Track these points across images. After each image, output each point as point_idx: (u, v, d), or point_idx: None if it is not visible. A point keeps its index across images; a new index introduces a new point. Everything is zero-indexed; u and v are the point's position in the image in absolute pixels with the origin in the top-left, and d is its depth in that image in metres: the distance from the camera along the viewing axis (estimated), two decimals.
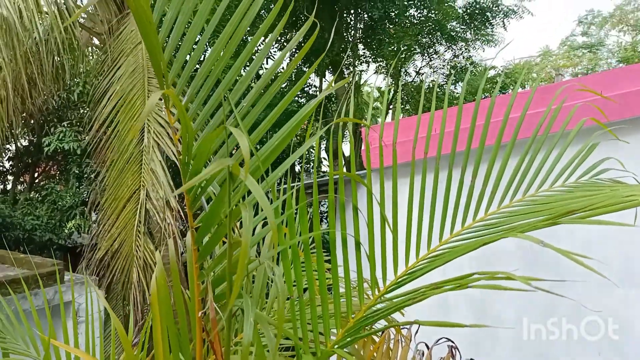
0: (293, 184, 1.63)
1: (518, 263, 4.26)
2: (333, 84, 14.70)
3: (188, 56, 1.40)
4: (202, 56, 1.49)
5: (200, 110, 1.41)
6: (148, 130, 6.14)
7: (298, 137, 11.26)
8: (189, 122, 1.11)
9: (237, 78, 1.44)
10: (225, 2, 1.38)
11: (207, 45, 1.50)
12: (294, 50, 13.51)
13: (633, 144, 2.85)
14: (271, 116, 1.38)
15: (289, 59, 13.76)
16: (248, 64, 1.58)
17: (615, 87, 3.97)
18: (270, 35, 1.52)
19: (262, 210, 1.56)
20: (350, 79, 13.25)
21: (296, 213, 1.74)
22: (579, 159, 1.89)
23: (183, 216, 6.68)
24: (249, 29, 1.50)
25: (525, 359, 4.44)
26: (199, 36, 1.44)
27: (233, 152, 1.40)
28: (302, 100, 14.09)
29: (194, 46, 1.42)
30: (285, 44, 13.99)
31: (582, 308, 3.83)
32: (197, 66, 1.52)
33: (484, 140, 1.87)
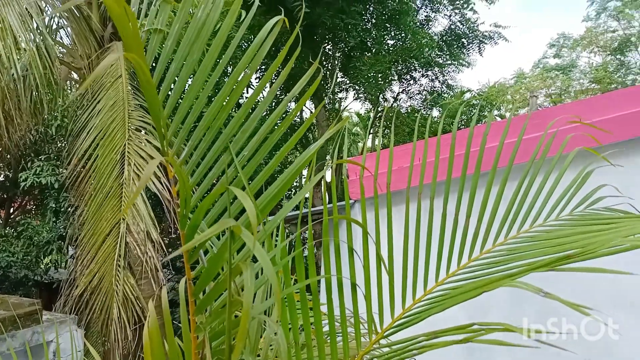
0: (288, 221, 1.61)
1: (506, 291, 4.24)
2: (316, 116, 14.80)
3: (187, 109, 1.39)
4: (201, 107, 1.48)
5: (200, 160, 1.39)
6: (128, 162, 6.07)
7: (281, 166, 11.26)
8: (186, 178, 1.09)
9: (237, 129, 1.43)
10: (228, 56, 1.38)
11: (207, 98, 1.50)
12: (272, 78, 13.58)
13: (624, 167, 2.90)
14: (269, 167, 1.37)
15: (268, 86, 13.82)
16: (249, 112, 1.57)
17: (604, 112, 4.05)
18: (256, 74, 1.52)
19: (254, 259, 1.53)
20: (337, 117, 13.35)
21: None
22: (574, 189, 1.90)
23: (164, 248, 6.58)
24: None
25: None
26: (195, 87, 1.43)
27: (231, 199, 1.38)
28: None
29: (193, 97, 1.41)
30: (264, 71, 14.08)
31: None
32: (190, 110, 1.51)
33: (479, 170, 1.87)
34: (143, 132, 6.20)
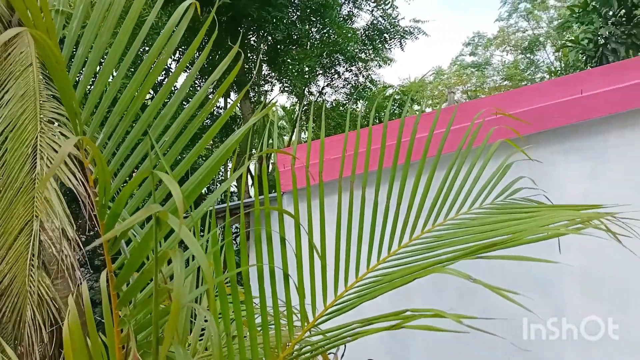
0: (218, 214, 1.56)
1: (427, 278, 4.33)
2: (238, 105, 14.61)
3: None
4: (115, 92, 1.39)
5: (116, 149, 1.31)
6: (41, 157, 5.72)
7: (204, 158, 11.02)
8: (104, 163, 1.02)
9: (158, 112, 1.36)
10: (141, 38, 1.31)
11: (122, 82, 1.42)
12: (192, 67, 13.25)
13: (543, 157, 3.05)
14: (191, 154, 1.31)
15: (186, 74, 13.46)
16: (167, 99, 1.50)
17: (524, 104, 4.24)
18: (178, 59, 1.46)
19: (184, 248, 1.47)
20: (265, 107, 13.19)
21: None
22: (495, 180, 1.97)
23: (81, 246, 6.27)
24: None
25: None
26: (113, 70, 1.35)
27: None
28: (207, 121, 13.85)
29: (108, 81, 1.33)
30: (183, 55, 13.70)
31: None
32: (104, 93, 1.42)
33: (409, 161, 1.90)
34: (56, 124, 5.86)
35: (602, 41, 11.06)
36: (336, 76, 16.34)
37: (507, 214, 1.79)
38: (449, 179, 1.98)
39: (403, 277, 1.40)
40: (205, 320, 1.81)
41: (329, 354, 2.06)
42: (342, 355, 2.10)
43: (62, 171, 5.63)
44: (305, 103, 16.65)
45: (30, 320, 5.70)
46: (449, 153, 2.11)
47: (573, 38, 12.39)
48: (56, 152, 5.71)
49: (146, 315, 1.30)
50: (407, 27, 16.22)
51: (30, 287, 5.85)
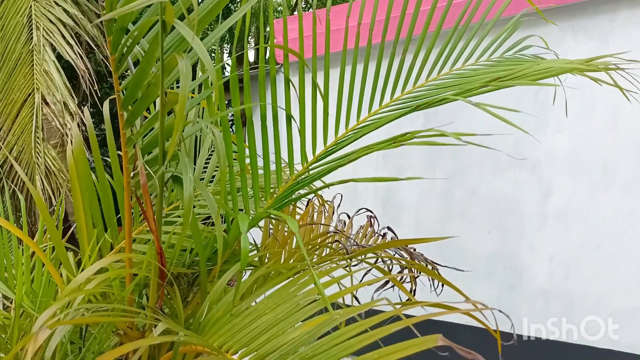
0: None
1: (420, 154, 4.61)
2: None
3: None
4: None
5: None
6: (37, 27, 5.58)
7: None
8: None
9: None
10: None
11: None
12: None
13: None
14: None
15: None
16: None
17: None
18: None
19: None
20: None
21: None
22: (505, 35, 1.92)
23: (84, 120, 6.28)
24: None
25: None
26: None
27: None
28: None
29: None
30: None
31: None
32: None
33: (415, 18, 1.84)
34: None
35: None
36: None
37: (513, 65, 1.75)
38: (454, 35, 1.93)
39: (402, 111, 1.42)
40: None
41: (328, 201, 2.15)
42: (339, 204, 2.18)
43: (60, 44, 5.53)
44: None
45: (40, 191, 5.87)
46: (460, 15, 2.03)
47: None
48: (52, 23, 5.57)
49: (155, 136, 1.33)
50: None
51: (37, 158, 5.97)
